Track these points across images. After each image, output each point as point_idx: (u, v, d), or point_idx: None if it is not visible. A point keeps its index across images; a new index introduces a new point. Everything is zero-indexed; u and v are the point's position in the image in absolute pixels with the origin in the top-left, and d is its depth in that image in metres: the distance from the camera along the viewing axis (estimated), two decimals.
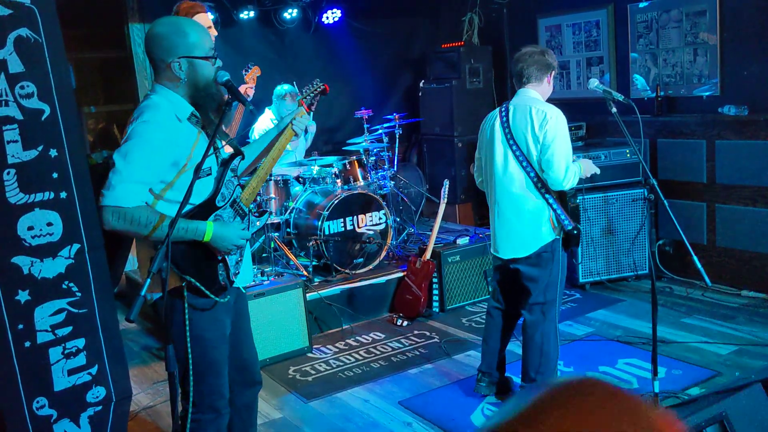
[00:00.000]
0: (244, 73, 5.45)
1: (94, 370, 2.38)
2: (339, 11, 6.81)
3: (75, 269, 2.36)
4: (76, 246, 2.36)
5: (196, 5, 4.53)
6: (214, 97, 2.64)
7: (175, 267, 2.46)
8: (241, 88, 5.38)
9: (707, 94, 5.59)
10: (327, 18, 6.79)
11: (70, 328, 2.32)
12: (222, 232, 2.55)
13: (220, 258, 2.61)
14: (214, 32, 4.53)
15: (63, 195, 2.31)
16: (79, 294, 2.37)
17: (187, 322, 2.52)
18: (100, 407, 2.37)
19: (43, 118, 2.27)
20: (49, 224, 2.28)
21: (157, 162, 2.42)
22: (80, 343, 2.36)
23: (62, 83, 2.31)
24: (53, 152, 2.28)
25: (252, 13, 6.40)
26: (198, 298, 2.56)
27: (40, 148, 2.26)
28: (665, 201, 3.28)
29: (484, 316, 5.36)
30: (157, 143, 2.41)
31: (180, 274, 2.49)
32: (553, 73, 3.69)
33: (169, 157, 2.46)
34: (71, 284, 2.33)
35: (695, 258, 3.19)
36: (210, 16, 6.02)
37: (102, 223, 2.35)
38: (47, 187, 2.29)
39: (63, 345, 2.31)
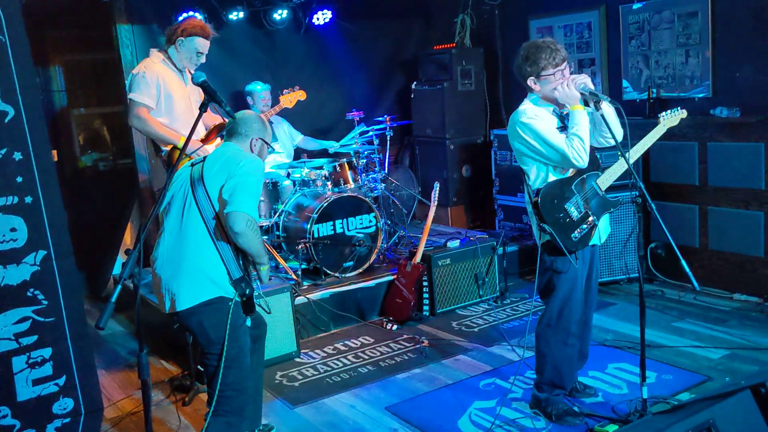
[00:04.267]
0: (285, 92, 5.38)
1: (61, 381, 2.32)
2: (330, 12, 6.75)
3: (41, 277, 2.29)
4: (42, 252, 2.30)
5: (204, 29, 4.49)
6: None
7: (243, 282, 3.06)
8: (270, 111, 5.37)
9: (699, 95, 5.55)
10: (317, 19, 6.73)
11: (35, 337, 2.26)
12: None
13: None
14: (203, 59, 4.51)
15: (28, 200, 2.24)
16: (45, 302, 2.30)
17: (228, 333, 3.02)
18: (68, 419, 2.31)
19: (6, 120, 2.20)
20: (13, 230, 2.21)
21: None
22: (46, 352, 2.30)
23: (27, 84, 2.24)
24: (18, 155, 2.21)
25: (241, 14, 6.33)
26: (240, 314, 3.09)
27: (3, 151, 2.18)
28: (652, 204, 3.22)
29: (474, 320, 5.33)
30: None
31: (250, 288, 3.09)
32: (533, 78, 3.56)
33: None
34: (37, 292, 2.26)
35: (683, 262, 3.14)
36: (198, 16, 6.01)
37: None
38: (11, 192, 2.23)
39: (27, 354, 2.24)
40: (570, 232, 3.46)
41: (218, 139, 4.31)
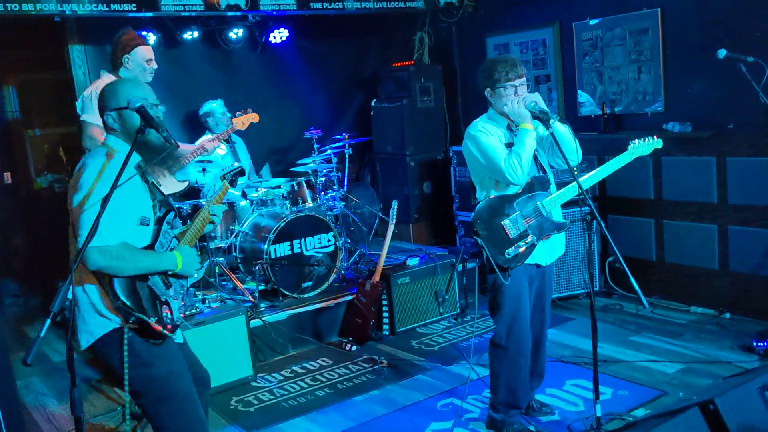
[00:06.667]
0: (238, 114, 5.32)
1: None
2: (287, 31, 6.70)
3: None
4: None
5: (138, 38, 4.44)
6: (148, 145, 2.71)
7: (124, 308, 2.58)
8: (223, 133, 5.30)
9: (652, 111, 5.61)
10: (274, 38, 6.68)
11: None
12: (186, 259, 2.79)
13: (163, 299, 2.73)
14: (153, 65, 4.43)
15: None
16: None
17: (127, 363, 2.61)
18: None
19: None
20: None
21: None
22: None
23: None
24: None
25: (196, 33, 6.26)
26: (145, 338, 2.67)
27: None
28: (601, 221, 3.24)
29: (434, 338, 5.29)
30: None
31: (134, 313, 2.59)
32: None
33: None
34: None
35: (632, 279, 3.14)
36: (152, 37, 5.93)
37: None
38: None
39: None
40: (504, 249, 3.45)
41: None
